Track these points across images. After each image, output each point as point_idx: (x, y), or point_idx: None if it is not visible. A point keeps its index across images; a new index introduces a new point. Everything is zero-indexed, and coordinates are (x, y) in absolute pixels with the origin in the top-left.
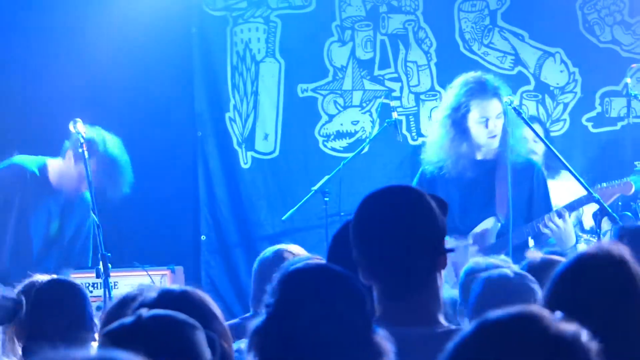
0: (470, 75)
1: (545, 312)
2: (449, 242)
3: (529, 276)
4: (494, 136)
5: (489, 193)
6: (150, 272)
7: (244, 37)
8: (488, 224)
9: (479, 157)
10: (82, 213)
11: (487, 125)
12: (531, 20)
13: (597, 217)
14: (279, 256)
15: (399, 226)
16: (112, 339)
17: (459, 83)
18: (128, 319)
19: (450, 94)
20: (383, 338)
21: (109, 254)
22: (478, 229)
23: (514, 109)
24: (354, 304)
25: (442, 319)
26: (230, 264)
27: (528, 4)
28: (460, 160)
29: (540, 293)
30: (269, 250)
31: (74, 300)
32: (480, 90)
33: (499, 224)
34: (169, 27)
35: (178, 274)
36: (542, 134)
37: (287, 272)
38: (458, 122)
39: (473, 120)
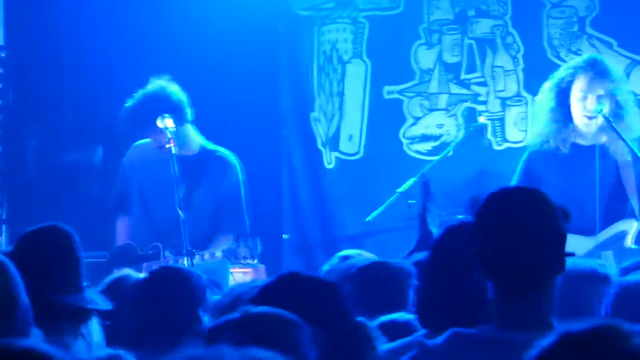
0: (588, 53)
1: (627, 326)
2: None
3: None
4: (591, 118)
5: (590, 181)
6: (233, 270)
7: (331, 37)
8: (626, 225)
9: (580, 141)
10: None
11: (584, 101)
12: (620, 28)
13: None
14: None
15: (525, 226)
16: (217, 334)
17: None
18: (234, 314)
19: (563, 67)
20: None
21: (195, 250)
22: (612, 230)
23: (604, 116)
24: None
25: (555, 322)
26: (311, 264)
27: (618, 12)
28: (560, 135)
29: None
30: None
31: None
32: (589, 65)
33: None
34: (257, 25)
35: (260, 272)
36: None
37: None
38: (561, 92)
39: (574, 95)
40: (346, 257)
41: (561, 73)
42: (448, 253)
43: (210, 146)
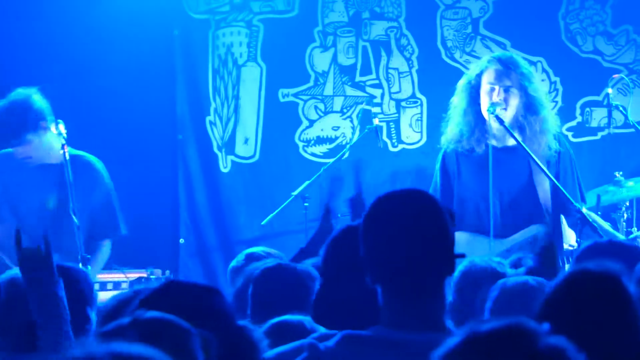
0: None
1: (533, 325)
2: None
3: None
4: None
5: (501, 182)
6: (128, 275)
7: (226, 40)
8: (537, 230)
9: (493, 142)
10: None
11: (492, 93)
12: (513, 29)
13: (578, 227)
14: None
15: (412, 229)
16: (107, 340)
17: None
18: (125, 320)
19: (473, 64)
20: None
21: (89, 256)
22: (522, 235)
23: (496, 116)
24: None
25: (447, 324)
26: (209, 268)
27: (511, 13)
28: (474, 136)
29: None
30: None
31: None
32: (495, 58)
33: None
34: (152, 29)
35: (156, 277)
36: None
37: None
38: (472, 91)
39: (483, 89)
40: (252, 255)
41: (471, 71)
42: (342, 252)
43: (74, 152)
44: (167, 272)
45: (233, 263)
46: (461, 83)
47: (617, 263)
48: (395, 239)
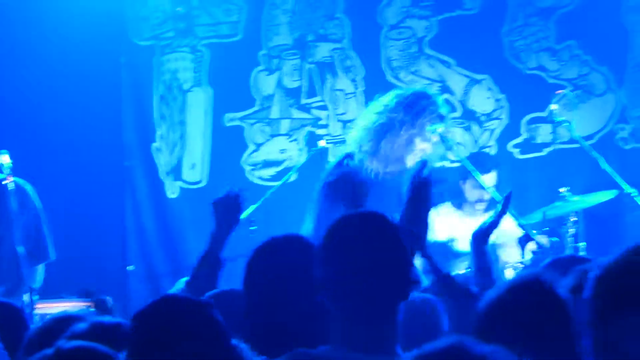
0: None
1: (472, 343)
2: None
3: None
4: None
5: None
6: (78, 303)
7: (171, 66)
8: None
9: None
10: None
11: None
12: (458, 48)
13: (523, 242)
14: None
15: (369, 253)
16: None
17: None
18: (49, 350)
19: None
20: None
21: (37, 286)
22: None
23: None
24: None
25: (398, 349)
26: (159, 294)
27: (455, 32)
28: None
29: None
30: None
31: None
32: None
33: None
34: (98, 57)
35: (106, 304)
36: None
37: None
38: None
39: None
40: None
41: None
42: (265, 274)
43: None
44: (109, 298)
45: (172, 291)
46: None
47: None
48: (352, 261)
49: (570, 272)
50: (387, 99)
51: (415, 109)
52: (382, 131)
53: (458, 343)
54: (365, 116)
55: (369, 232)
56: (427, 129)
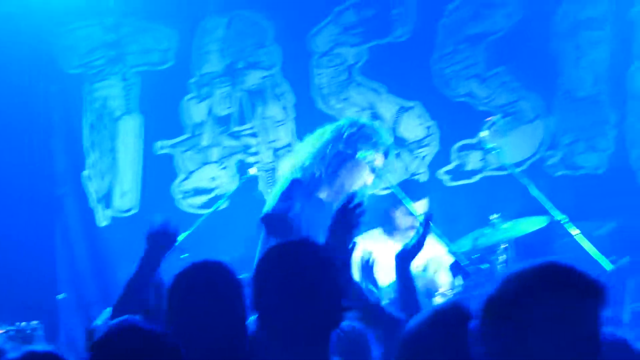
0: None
1: None
2: None
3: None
4: None
5: None
6: (7, 330)
7: (101, 94)
8: None
9: None
10: None
11: None
12: (388, 75)
13: (454, 270)
14: None
15: (299, 281)
16: None
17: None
18: None
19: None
20: None
21: None
22: None
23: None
24: None
25: None
26: (90, 322)
27: (385, 59)
28: None
29: None
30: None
31: None
32: None
33: None
34: (28, 87)
35: (37, 332)
36: None
37: None
38: None
39: None
40: None
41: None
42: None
43: None
44: (35, 322)
45: (98, 322)
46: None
47: None
48: (282, 290)
49: None
50: (333, 129)
51: (364, 140)
52: (338, 161)
53: None
54: (312, 145)
55: (300, 261)
56: (366, 158)
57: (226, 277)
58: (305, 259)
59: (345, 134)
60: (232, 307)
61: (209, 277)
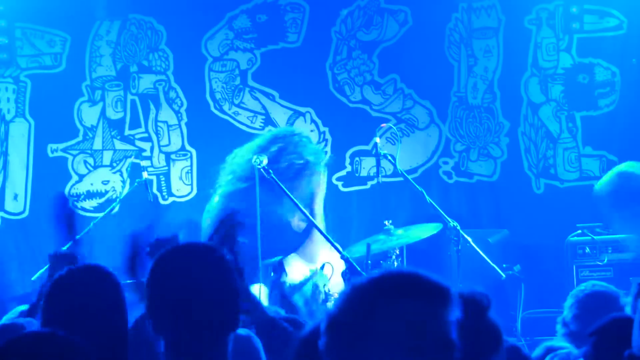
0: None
1: None
2: None
3: None
4: None
5: None
6: None
7: None
8: None
9: None
10: None
11: None
12: (281, 80)
13: (346, 275)
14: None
15: (195, 284)
16: None
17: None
18: None
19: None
20: None
21: None
22: None
23: (263, 168)
24: None
25: None
26: None
27: (278, 64)
28: None
29: None
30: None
31: None
32: None
33: None
34: None
35: None
36: None
37: None
38: None
39: None
40: (24, 312)
41: None
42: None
43: None
44: None
45: (4, 320)
46: None
47: None
48: (178, 293)
49: None
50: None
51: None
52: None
53: None
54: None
55: (195, 262)
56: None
57: (104, 281)
58: (200, 261)
59: (291, 144)
60: (111, 311)
61: (86, 281)
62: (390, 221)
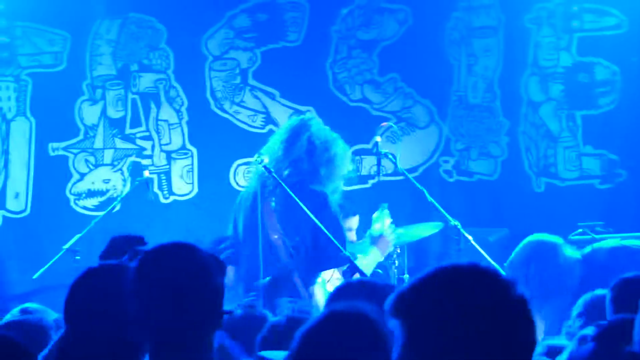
0: None
1: None
2: None
3: None
4: None
5: None
6: None
7: None
8: None
9: None
10: None
11: None
12: (282, 79)
13: (347, 274)
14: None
15: (178, 284)
16: None
17: None
18: None
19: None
20: None
21: None
22: None
23: (265, 166)
24: None
25: None
26: None
27: (279, 63)
28: None
29: None
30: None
31: None
32: None
33: None
34: None
35: None
36: None
37: None
38: None
39: None
40: (26, 311)
41: None
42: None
43: None
44: None
45: (7, 317)
46: None
47: (369, 303)
48: (161, 293)
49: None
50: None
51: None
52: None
53: None
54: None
55: (176, 262)
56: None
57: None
58: (181, 261)
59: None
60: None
61: (109, 280)
62: (391, 220)
